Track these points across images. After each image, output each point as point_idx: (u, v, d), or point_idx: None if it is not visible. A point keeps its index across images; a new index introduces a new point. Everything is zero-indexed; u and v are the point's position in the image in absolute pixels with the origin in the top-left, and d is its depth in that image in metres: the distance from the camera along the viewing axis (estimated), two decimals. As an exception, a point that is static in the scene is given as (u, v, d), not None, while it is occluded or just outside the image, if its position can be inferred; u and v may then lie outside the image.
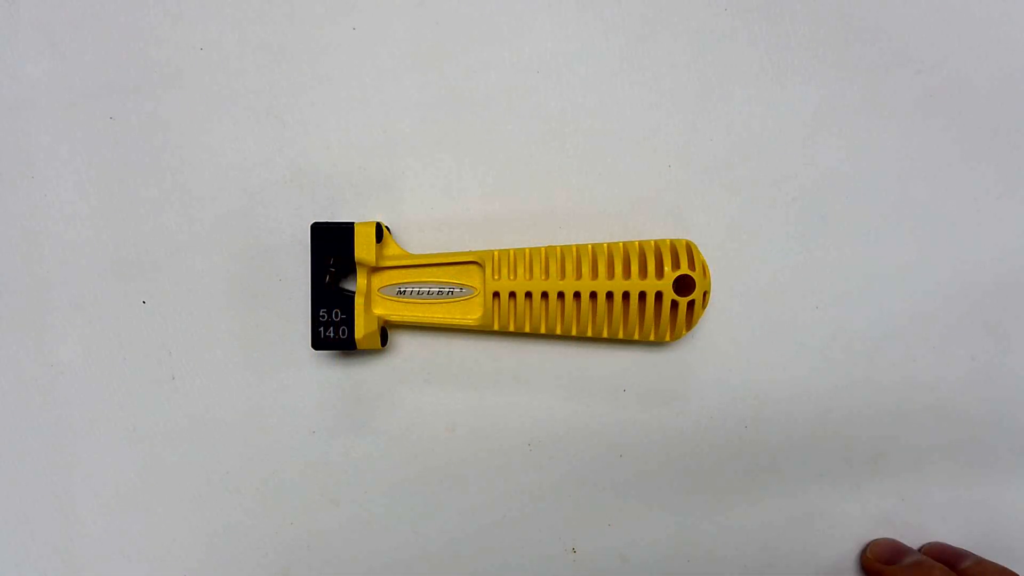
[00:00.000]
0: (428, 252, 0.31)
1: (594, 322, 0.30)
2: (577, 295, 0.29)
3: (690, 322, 0.30)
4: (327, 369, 0.32)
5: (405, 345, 0.32)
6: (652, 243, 0.30)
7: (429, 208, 0.32)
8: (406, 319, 0.31)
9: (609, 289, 0.29)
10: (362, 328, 0.30)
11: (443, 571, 0.32)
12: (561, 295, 0.30)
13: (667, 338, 0.30)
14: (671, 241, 0.30)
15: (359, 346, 0.30)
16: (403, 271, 0.31)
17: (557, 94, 0.32)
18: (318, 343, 0.30)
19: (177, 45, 0.32)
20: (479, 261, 0.30)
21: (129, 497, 0.32)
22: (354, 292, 0.30)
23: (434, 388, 0.32)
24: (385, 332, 0.31)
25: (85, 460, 0.32)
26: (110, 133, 0.32)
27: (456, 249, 0.31)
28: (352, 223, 0.30)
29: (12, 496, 0.32)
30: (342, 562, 0.32)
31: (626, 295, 0.29)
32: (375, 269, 0.30)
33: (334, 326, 0.30)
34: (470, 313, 0.31)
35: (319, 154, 0.32)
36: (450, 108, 0.32)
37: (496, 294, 0.30)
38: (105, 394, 0.32)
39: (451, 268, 0.31)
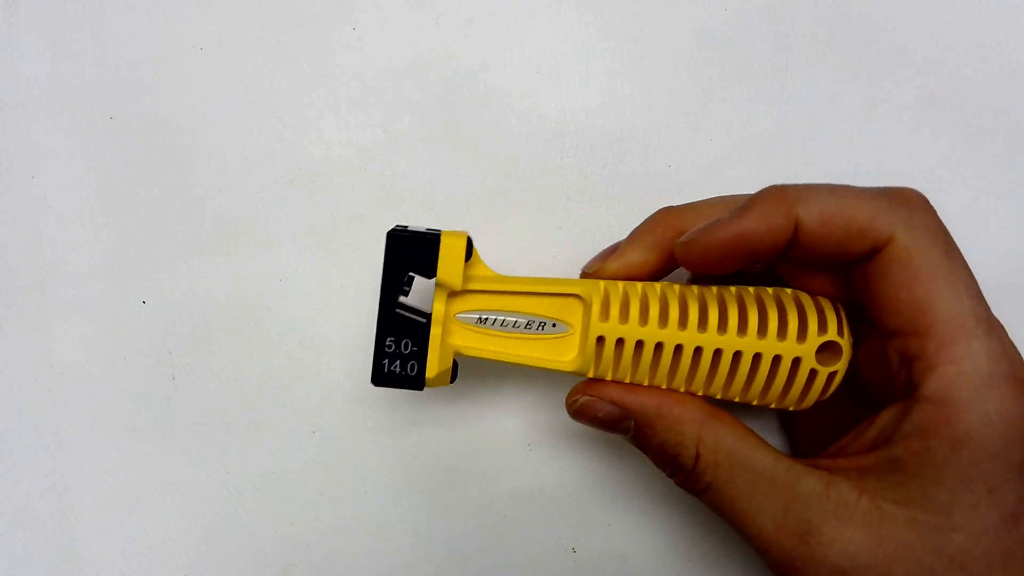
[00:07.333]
0: (504, 272, 0.27)
1: (710, 384, 0.25)
2: (698, 351, 0.24)
3: (826, 392, 0.24)
4: (327, 369, 0.32)
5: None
6: (790, 292, 0.25)
7: (429, 208, 0.32)
8: (485, 354, 0.26)
9: (738, 348, 0.24)
10: (435, 366, 0.25)
11: (443, 571, 0.32)
12: (679, 349, 0.24)
13: (792, 408, 0.25)
14: (815, 297, 0.25)
15: (428, 385, 0.25)
16: (490, 297, 0.26)
17: (557, 94, 0.32)
18: (380, 378, 0.25)
19: (177, 45, 0.32)
20: (584, 296, 0.25)
21: (129, 497, 0.32)
22: (426, 318, 0.25)
23: (434, 388, 0.32)
24: (456, 366, 0.26)
25: (85, 460, 0.32)
26: (110, 133, 0.32)
27: None
28: (439, 233, 0.25)
29: (12, 496, 0.32)
30: (342, 562, 0.32)
31: (757, 356, 0.24)
32: (456, 292, 0.25)
33: (401, 360, 0.25)
34: (563, 354, 0.26)
35: (319, 154, 0.32)
36: (450, 108, 0.32)
37: (601, 339, 0.24)
38: (105, 394, 0.32)
39: (548, 300, 0.26)
